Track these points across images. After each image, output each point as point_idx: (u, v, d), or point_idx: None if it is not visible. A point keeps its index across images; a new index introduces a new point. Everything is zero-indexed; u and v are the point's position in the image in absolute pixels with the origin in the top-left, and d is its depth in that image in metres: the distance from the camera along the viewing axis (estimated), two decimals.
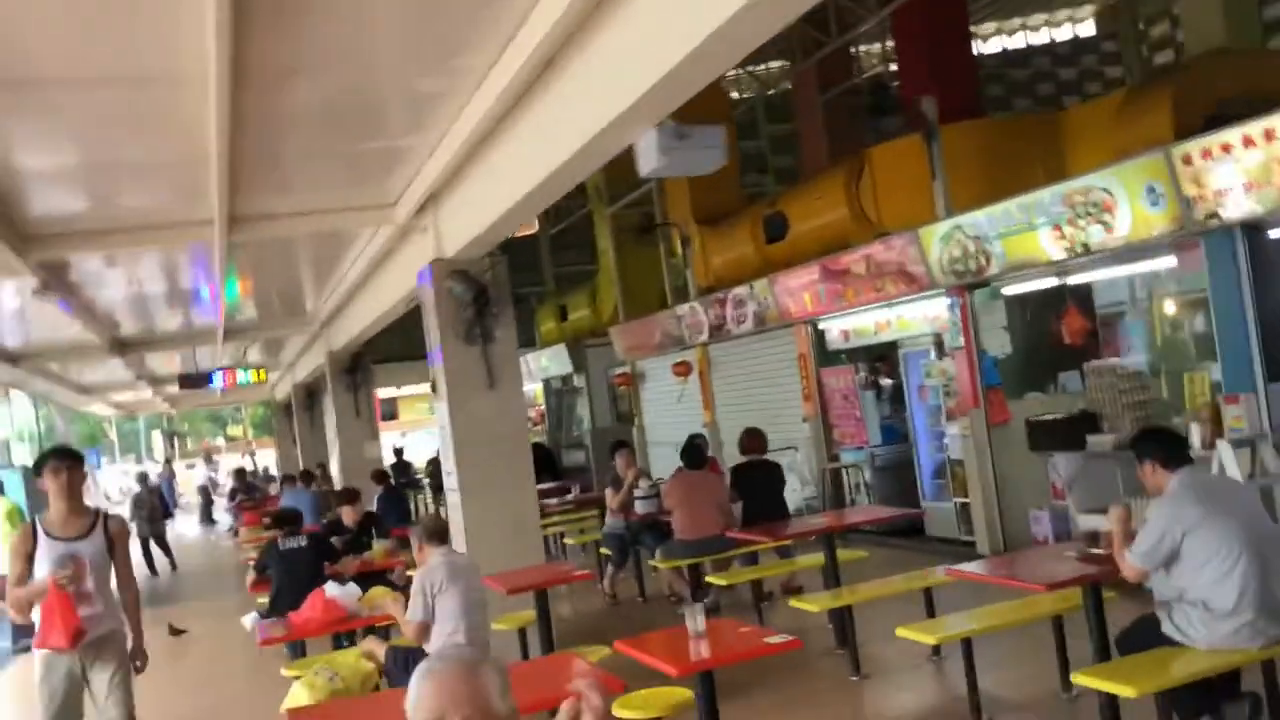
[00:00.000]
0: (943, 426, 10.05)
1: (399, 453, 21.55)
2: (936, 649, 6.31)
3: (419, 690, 2.01)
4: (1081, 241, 7.47)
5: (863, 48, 16.96)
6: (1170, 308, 7.84)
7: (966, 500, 9.36)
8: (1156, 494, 4.56)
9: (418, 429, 36.68)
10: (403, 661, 5.48)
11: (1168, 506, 4.36)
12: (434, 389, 7.91)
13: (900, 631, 5.43)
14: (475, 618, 5.52)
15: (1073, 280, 8.83)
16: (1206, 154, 6.40)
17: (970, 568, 5.52)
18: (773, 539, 7.72)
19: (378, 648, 5.73)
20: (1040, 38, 24.40)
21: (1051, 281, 8.56)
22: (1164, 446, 4.53)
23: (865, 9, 13.10)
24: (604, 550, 9.60)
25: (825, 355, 11.43)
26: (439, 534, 5.68)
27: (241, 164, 5.82)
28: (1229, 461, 6.23)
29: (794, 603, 6.39)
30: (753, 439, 8.85)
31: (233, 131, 4.97)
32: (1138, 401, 7.94)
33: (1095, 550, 4.89)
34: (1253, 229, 6.56)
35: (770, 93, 19.49)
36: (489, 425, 7.52)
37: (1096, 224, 7.30)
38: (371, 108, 5.74)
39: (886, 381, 10.93)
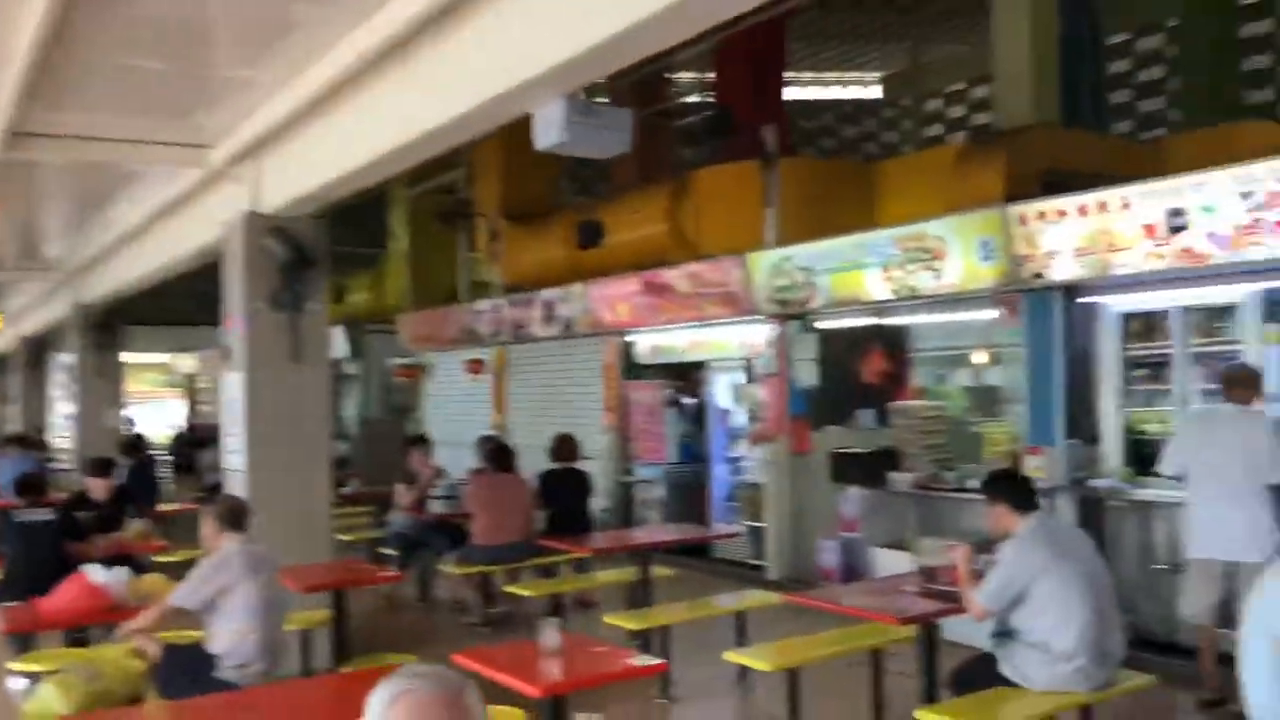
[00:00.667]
0: (740, 450, 10.16)
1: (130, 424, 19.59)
2: (744, 673, 6.25)
3: (389, 716, 1.62)
4: (908, 285, 7.71)
5: (679, 74, 17.20)
6: (979, 358, 8.23)
7: (758, 525, 9.46)
8: (1001, 535, 4.66)
9: (146, 401, 33.65)
10: (182, 664, 4.76)
11: (1018, 550, 4.45)
12: (224, 357, 7.09)
13: (731, 656, 5.30)
14: (274, 617, 4.92)
15: (884, 321, 9.15)
16: (1042, 216, 6.75)
17: (816, 595, 5.45)
18: (588, 550, 7.44)
19: (150, 644, 4.96)
20: (830, 94, 25.68)
21: (866, 320, 8.81)
22: (1017, 491, 4.64)
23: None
24: (385, 550, 8.99)
25: (631, 368, 11.31)
26: (238, 518, 5.01)
27: (45, 70, 4.94)
28: None
29: (611, 620, 6.12)
30: (565, 445, 8.55)
31: (53, 30, 4.18)
32: (938, 444, 8.29)
33: (936, 586, 4.94)
34: (1069, 291, 6.96)
35: None
36: (289, 402, 6.81)
37: (926, 270, 7.55)
38: (214, 26, 5.03)
39: (689, 401, 10.93)
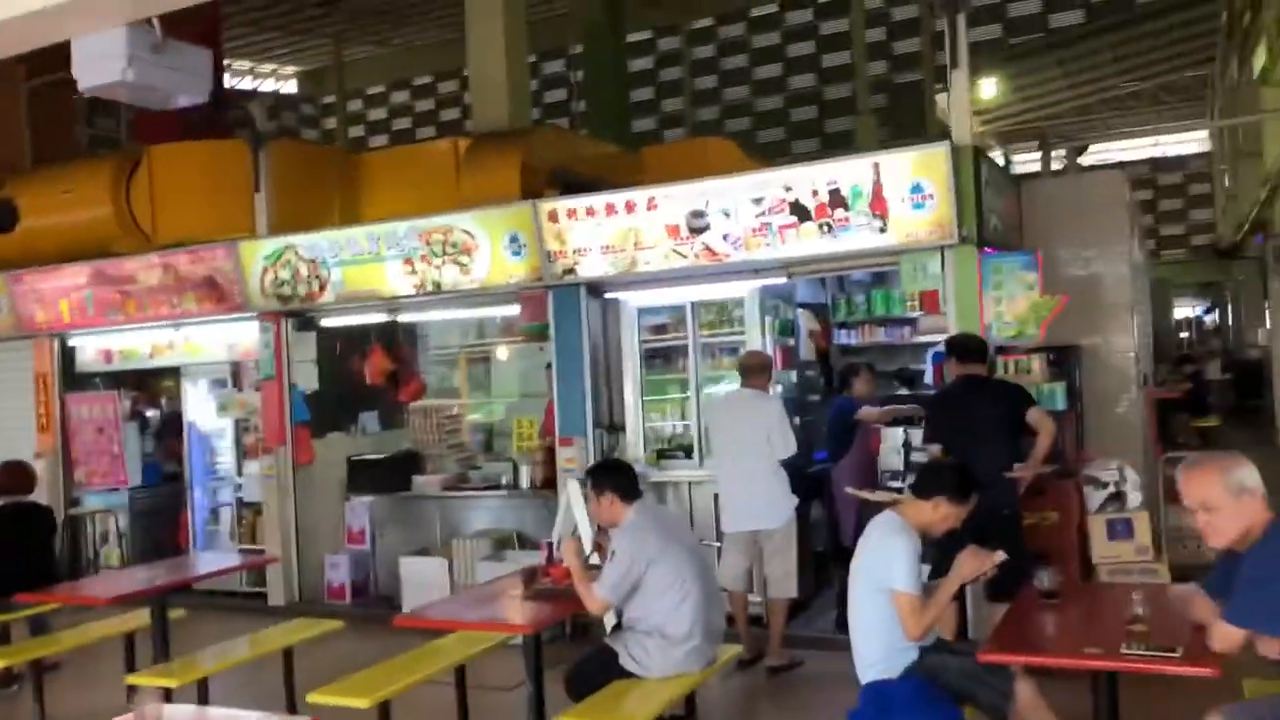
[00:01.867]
0: (226, 466, 9.05)
1: None
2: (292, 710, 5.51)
3: None
4: (434, 280, 7.43)
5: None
6: (502, 354, 8.20)
7: (256, 548, 8.50)
8: (611, 525, 4.64)
9: None
10: None
11: (633, 538, 4.45)
12: None
13: (318, 697, 4.60)
14: None
15: (386, 318, 8.69)
16: (572, 214, 6.90)
17: (426, 613, 4.90)
18: (85, 599, 6.01)
19: None
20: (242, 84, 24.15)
21: (372, 317, 8.32)
22: (622, 480, 4.64)
23: None
24: None
25: (74, 378, 9.46)
26: None
27: None
28: (576, 499, 6.64)
29: (137, 680, 4.99)
30: (15, 475, 6.85)
31: None
32: (460, 443, 8.12)
33: (542, 587, 4.75)
34: (593, 288, 7.20)
35: None
36: None
37: (454, 265, 7.33)
38: None
39: (154, 413, 9.46)
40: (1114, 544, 5.54)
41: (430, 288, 7.45)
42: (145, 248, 8.97)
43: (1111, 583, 5.27)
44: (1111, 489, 5.64)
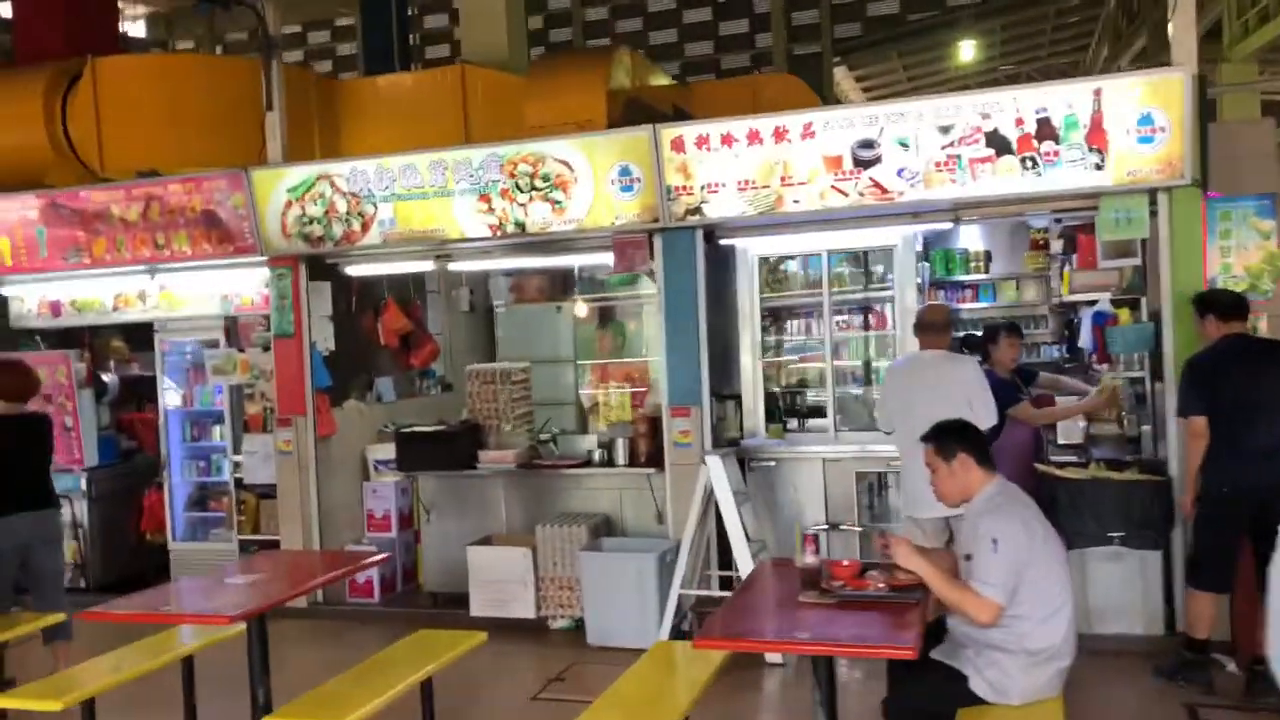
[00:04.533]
0: (214, 441, 7.56)
1: None
2: None
3: None
4: (517, 220, 6.22)
5: None
6: (580, 310, 7.05)
7: (263, 537, 7.11)
8: (961, 497, 3.69)
9: None
10: None
11: (1019, 524, 3.50)
12: None
13: None
14: None
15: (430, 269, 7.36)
16: (702, 142, 5.83)
17: (748, 630, 3.74)
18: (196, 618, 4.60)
19: None
20: None
21: (424, 266, 7.03)
22: (977, 441, 3.72)
23: None
24: None
25: (9, 335, 7.71)
26: None
27: None
28: (719, 477, 5.67)
29: None
30: (13, 378, 5.34)
31: None
32: (525, 413, 6.94)
33: (838, 592, 3.73)
34: (708, 233, 6.16)
35: None
36: None
37: (544, 201, 6.14)
38: None
39: (110, 378, 7.81)
40: None
41: (512, 228, 6.24)
42: (87, 179, 7.40)
43: None
44: None
